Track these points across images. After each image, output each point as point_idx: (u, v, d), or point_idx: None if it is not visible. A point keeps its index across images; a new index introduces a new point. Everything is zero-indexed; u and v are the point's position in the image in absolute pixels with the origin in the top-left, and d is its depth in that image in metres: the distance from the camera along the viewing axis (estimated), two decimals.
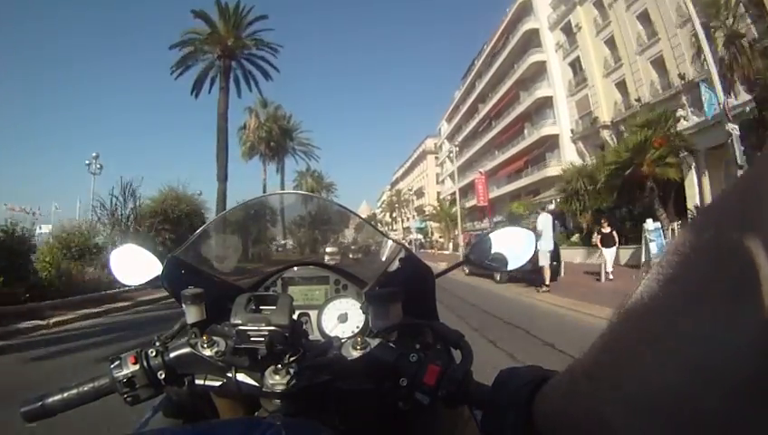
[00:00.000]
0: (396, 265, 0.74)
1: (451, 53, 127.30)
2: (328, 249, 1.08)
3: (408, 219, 70.26)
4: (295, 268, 0.88)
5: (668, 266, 0.21)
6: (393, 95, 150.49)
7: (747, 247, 0.16)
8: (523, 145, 28.26)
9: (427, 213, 41.70)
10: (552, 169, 26.81)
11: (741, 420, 0.17)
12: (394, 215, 68.29)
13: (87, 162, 15.98)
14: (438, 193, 62.82)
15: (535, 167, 27.72)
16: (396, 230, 74.26)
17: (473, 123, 40.08)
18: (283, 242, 1.50)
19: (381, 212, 70.70)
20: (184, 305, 0.60)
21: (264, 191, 26.04)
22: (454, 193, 39.37)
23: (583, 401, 0.27)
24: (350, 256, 1.15)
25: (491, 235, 0.73)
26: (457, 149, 26.48)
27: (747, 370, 0.16)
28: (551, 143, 26.33)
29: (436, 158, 60.41)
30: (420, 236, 40.64)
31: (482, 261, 0.73)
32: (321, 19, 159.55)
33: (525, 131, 29.32)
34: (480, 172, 27.28)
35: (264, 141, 27.38)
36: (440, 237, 43.84)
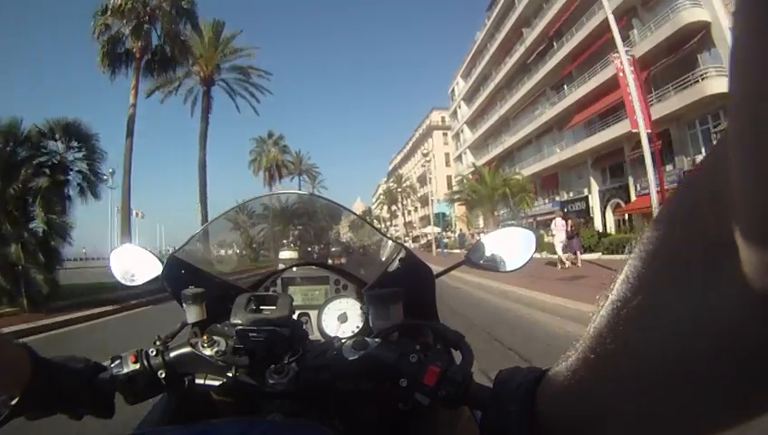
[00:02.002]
0: (396, 264, 0.75)
1: (449, 40, 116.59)
2: (282, 254, 1.05)
3: (410, 212, 54.65)
4: (295, 268, 0.90)
5: (650, 242, 0.21)
6: (386, 89, 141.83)
7: (722, 215, 0.16)
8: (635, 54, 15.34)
9: (456, 189, 27.54)
10: (716, 82, 14.18)
11: (732, 386, 0.18)
12: (393, 208, 53.30)
13: None
14: (449, 177, 47.58)
15: (670, 86, 15.89)
16: (396, 226, 58.79)
17: (510, 62, 25.63)
18: (281, 242, 1.35)
19: (378, 205, 56.38)
20: (184, 305, 0.62)
21: (129, 129, 12.03)
22: (493, 160, 25.48)
23: (582, 387, 0.28)
24: (339, 258, 1.12)
25: (489, 235, 0.76)
26: None
27: (732, 337, 0.17)
28: (702, 39, 14.54)
29: (445, 134, 46.04)
30: (437, 230, 26.63)
31: (482, 261, 0.75)
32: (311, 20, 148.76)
33: (634, 32, 14.92)
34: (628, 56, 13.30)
35: (128, 18, 12.72)
36: (463, 230, 28.80)
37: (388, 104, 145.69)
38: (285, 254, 1.04)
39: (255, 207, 1.12)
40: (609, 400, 0.25)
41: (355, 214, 1.02)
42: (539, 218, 24.30)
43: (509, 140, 29.07)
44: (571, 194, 23.07)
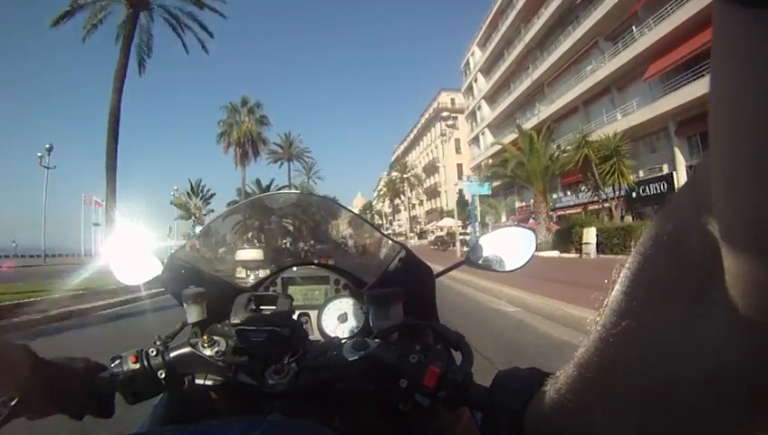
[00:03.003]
0: (396, 264, 0.77)
1: (456, 18, 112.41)
2: (240, 255, 1.03)
3: (414, 206, 48.48)
4: (295, 268, 0.91)
5: (633, 268, 0.21)
6: (388, 80, 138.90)
7: (706, 239, 0.16)
8: None
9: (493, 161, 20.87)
10: None
11: (722, 414, 0.18)
12: (396, 202, 47.46)
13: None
14: (460, 166, 41.79)
15: None
16: (399, 221, 52.52)
17: (546, 13, 19.63)
18: (281, 242, 1.43)
19: (379, 199, 50.68)
20: (184, 305, 0.64)
21: None
22: (544, 123, 19.61)
23: (568, 411, 0.29)
24: (339, 258, 1.12)
25: (491, 234, 0.78)
26: None
27: (721, 366, 0.17)
28: None
29: (455, 117, 39.95)
30: (458, 223, 20.77)
31: (482, 261, 0.76)
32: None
33: None
34: None
35: None
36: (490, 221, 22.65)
37: (391, 95, 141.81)
38: (246, 254, 0.99)
39: (254, 206, 1.20)
40: (597, 423, 0.25)
41: (355, 213, 1.05)
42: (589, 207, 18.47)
43: (545, 111, 23.52)
44: (641, 174, 17.32)
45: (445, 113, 24.22)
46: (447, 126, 21.79)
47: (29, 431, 0.62)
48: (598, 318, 0.24)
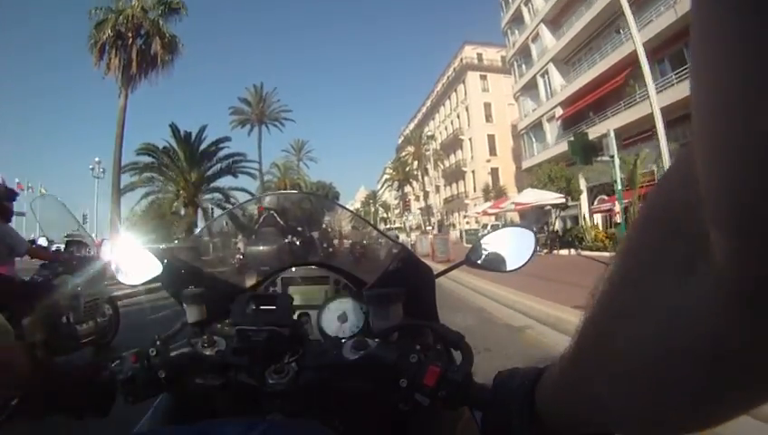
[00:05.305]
0: (396, 264, 0.81)
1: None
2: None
3: (429, 194, 36.99)
4: (294, 268, 0.94)
5: (629, 241, 0.23)
6: (394, 74, 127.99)
7: (694, 214, 0.17)
8: None
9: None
10: None
11: (714, 381, 0.20)
12: (406, 189, 36.52)
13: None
14: (491, 137, 29.75)
15: None
16: (414, 213, 40.55)
17: None
18: (281, 241, 1.43)
19: (386, 186, 39.79)
20: (184, 305, 0.68)
21: None
22: (662, 37, 9.09)
23: (573, 385, 0.31)
24: (339, 258, 1.16)
25: (491, 234, 0.81)
26: None
27: (711, 334, 0.18)
28: None
29: (484, 77, 29.01)
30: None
31: (482, 261, 0.80)
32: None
33: None
34: None
35: None
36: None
37: (400, 89, 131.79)
38: (246, 253, 1.04)
39: (254, 206, 1.22)
40: (600, 394, 0.27)
41: (356, 214, 1.11)
42: None
43: (666, 16, 12.71)
44: None
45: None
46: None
47: (29, 431, 0.65)
48: (594, 293, 0.26)
